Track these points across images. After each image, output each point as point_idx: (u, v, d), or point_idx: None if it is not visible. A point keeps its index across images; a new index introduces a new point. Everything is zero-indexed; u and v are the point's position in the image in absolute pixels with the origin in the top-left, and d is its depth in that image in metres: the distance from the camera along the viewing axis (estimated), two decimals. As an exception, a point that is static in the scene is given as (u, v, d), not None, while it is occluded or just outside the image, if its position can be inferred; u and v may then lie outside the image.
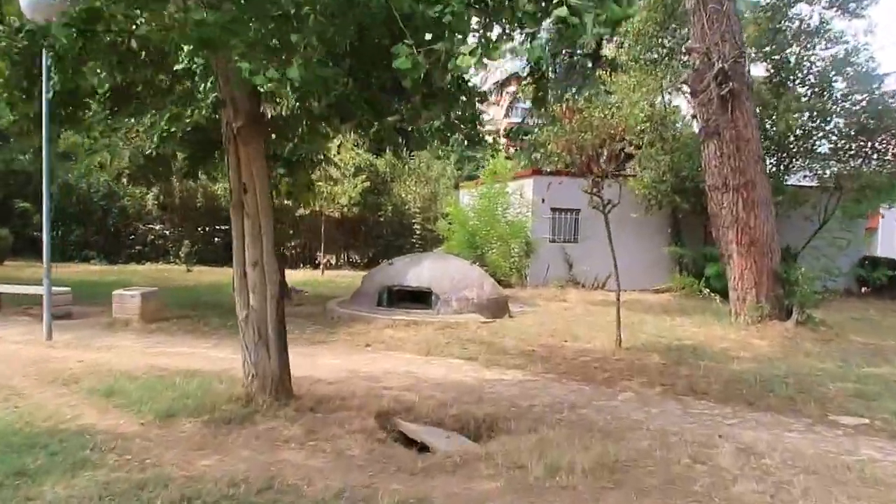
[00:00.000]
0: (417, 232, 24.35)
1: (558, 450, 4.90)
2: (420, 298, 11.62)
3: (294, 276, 20.33)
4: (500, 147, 27.87)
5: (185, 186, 24.22)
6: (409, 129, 6.86)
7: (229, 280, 18.92)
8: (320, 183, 21.43)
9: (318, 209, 22.29)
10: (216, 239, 26.06)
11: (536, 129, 20.97)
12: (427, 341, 9.59)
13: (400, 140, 7.14)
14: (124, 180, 10.52)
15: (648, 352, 9.18)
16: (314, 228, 23.98)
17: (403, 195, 25.42)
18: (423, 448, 5.27)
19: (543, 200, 18.83)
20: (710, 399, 7.04)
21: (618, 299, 9.44)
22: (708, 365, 8.45)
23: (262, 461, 4.55)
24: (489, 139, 34.36)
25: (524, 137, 27.11)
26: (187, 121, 8.45)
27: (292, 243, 25.74)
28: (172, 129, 9.35)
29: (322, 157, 12.15)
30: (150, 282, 17.49)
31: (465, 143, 7.33)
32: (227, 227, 25.95)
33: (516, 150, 29.25)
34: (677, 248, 18.97)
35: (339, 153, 22.60)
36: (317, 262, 23.28)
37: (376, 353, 9.06)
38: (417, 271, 11.62)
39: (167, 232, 25.74)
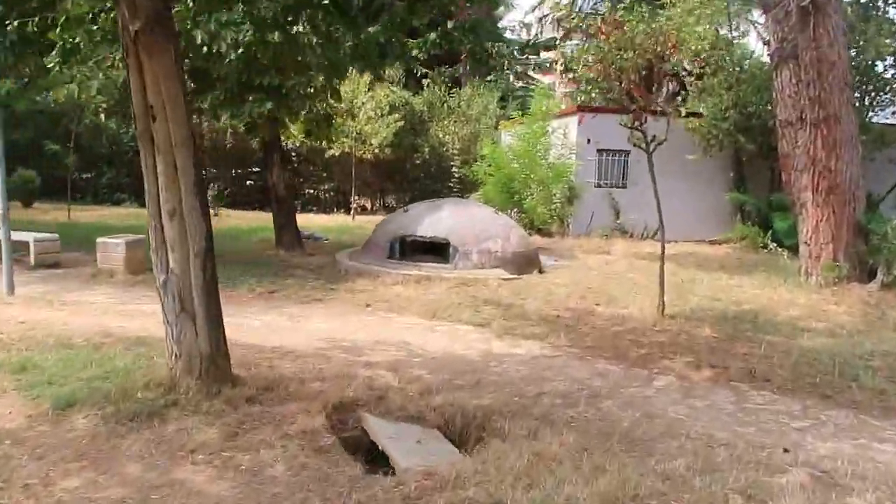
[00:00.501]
0: (456, 175, 22.83)
1: (556, 474, 3.56)
2: (437, 251, 10.28)
3: (319, 222, 19.31)
4: (544, 85, 25.77)
5: (213, 126, 23.23)
6: (393, 40, 5.37)
7: (253, 225, 18.05)
8: (350, 122, 20.12)
9: (349, 150, 21.02)
10: (249, 182, 25.23)
11: (570, 51, 18.91)
12: (436, 302, 8.29)
13: (387, 55, 5.66)
14: (101, 116, 9.25)
15: (698, 321, 7.65)
16: (348, 171, 22.78)
17: (441, 136, 23.82)
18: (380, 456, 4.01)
19: (589, 141, 17.02)
20: (774, 388, 5.54)
21: (662, 256, 7.87)
22: (771, 341, 6.89)
23: (147, 484, 3.36)
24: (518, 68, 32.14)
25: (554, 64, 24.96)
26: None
27: (325, 186, 24.67)
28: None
29: (324, 88, 10.73)
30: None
31: (473, 61, 5.77)
32: (259, 169, 25.11)
33: (560, 84, 27.09)
34: (739, 194, 16.96)
35: (370, 90, 21.13)
36: (350, 206, 22.15)
37: (374, 315, 7.82)
38: (434, 220, 10.25)
39: (199, 174, 24.92)
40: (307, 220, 20.18)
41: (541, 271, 10.57)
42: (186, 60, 9.60)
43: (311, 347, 6.19)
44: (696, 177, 17.30)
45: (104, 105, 9.19)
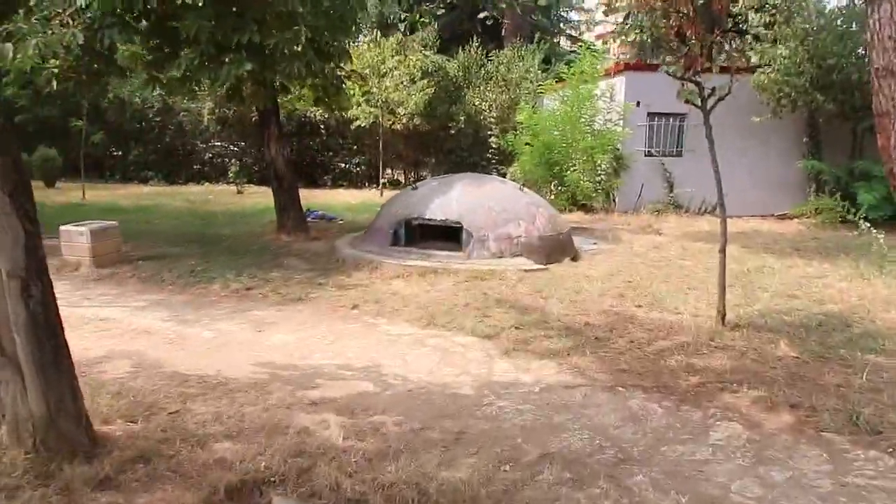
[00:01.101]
0: (493, 146, 21.08)
1: None
2: (449, 235, 8.71)
3: (344, 199, 17.95)
4: (592, 43, 23.53)
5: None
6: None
7: (264, 206, 16.86)
8: (375, 89, 18.60)
9: (379, 121, 19.52)
10: (277, 157, 23.99)
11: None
12: (437, 302, 6.77)
13: None
14: (54, 82, 7.96)
15: (770, 332, 5.88)
16: (381, 143, 21.32)
17: (477, 103, 22.02)
18: None
19: (638, 103, 15.02)
20: (888, 446, 3.83)
21: (723, 243, 6.09)
22: (876, 363, 5.11)
23: None
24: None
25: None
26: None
27: (356, 160, 23.28)
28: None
29: (327, 47, 9.21)
30: (183, 206, 15.66)
31: None
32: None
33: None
34: (815, 162, 14.71)
35: (399, 54, 19.51)
36: (381, 180, 20.71)
37: (358, 321, 6.35)
38: (445, 200, 8.65)
39: (228, 149, 23.93)
40: (333, 197, 18.92)
41: (574, 259, 8.89)
42: (153, 20, 8.28)
43: (250, 376, 4.77)
44: (762, 142, 15.14)
45: (55, 69, 7.85)
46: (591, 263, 8.73)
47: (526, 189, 9.39)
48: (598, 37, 33.83)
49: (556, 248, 8.69)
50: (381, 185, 19.73)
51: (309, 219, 13.27)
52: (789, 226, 13.91)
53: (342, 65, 10.97)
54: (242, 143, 23.80)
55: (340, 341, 5.70)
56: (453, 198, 8.62)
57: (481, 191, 8.78)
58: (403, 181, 23.43)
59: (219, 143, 24.08)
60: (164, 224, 12.58)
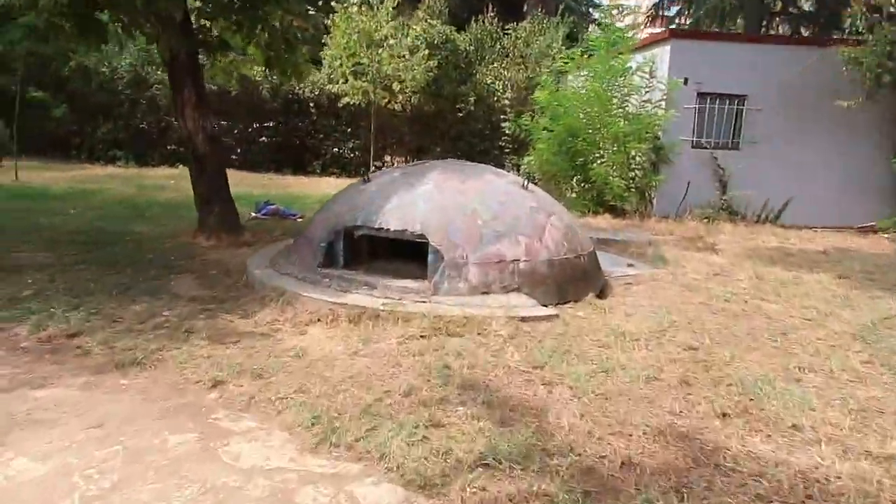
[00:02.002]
0: (507, 132, 18.03)
1: None
2: (413, 252, 5.77)
3: (325, 189, 15.04)
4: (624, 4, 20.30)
5: (214, 71, 19.21)
6: None
7: (241, 192, 13.99)
8: (365, 61, 15.66)
9: (372, 98, 16.61)
10: (262, 138, 21.18)
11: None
12: (359, 385, 3.84)
13: None
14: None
15: None
16: (378, 126, 18.40)
17: (490, 82, 18.97)
18: None
19: (686, 81, 11.90)
20: None
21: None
22: None
23: None
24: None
25: None
26: None
27: (350, 144, 20.35)
28: None
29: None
30: (129, 193, 12.87)
31: None
32: (271, 122, 21.06)
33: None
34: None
35: (400, 22, 16.53)
36: (372, 168, 17.76)
37: (196, 424, 3.42)
38: (407, 199, 5.65)
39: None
40: (314, 186, 16.03)
41: (601, 295, 5.90)
42: None
43: None
44: (846, 133, 11.95)
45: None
46: (627, 305, 5.71)
47: (533, 186, 6.37)
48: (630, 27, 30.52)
49: (574, 278, 5.70)
50: (369, 173, 16.73)
51: (260, 214, 10.39)
52: (879, 243, 10.75)
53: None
54: (224, 123, 20.99)
55: (127, 486, 2.79)
56: (420, 197, 5.65)
57: (464, 187, 5.79)
58: (403, 170, 20.46)
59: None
60: (78, 217, 9.77)
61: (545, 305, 5.35)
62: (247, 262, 6.36)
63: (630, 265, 7.38)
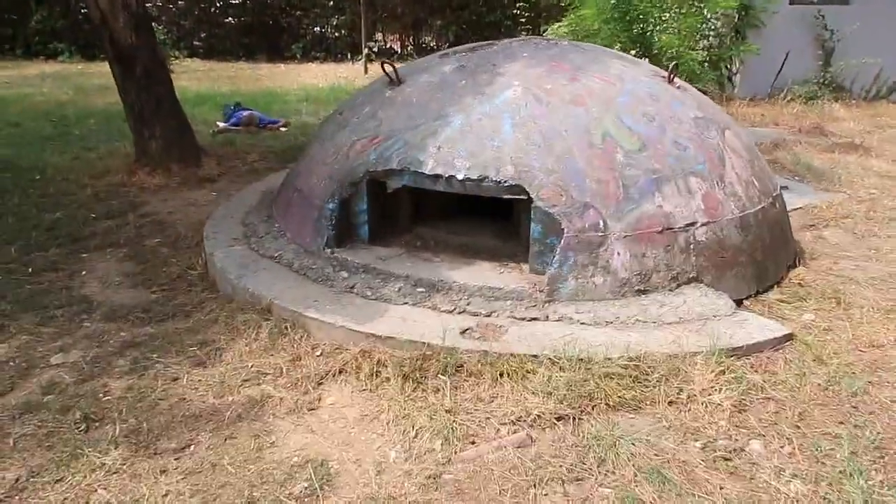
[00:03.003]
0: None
1: None
2: (491, 213, 3.31)
3: (309, 80, 12.15)
4: None
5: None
6: None
7: (209, 90, 11.00)
8: None
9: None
10: (228, 18, 17.74)
11: None
12: None
13: None
14: None
15: None
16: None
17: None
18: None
19: None
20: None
21: None
22: None
23: None
24: None
25: None
26: None
27: (334, 22, 17.03)
28: None
29: None
30: (62, 97, 10.02)
31: None
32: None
33: None
34: None
35: None
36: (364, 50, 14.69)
37: None
38: (476, 118, 3.10)
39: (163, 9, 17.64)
40: (294, 78, 13.00)
41: (795, 263, 3.49)
42: None
43: None
44: None
45: None
46: (854, 280, 3.31)
47: (680, 81, 3.77)
48: None
49: (774, 244, 3.28)
50: (365, 58, 13.70)
51: (229, 124, 7.70)
52: None
53: None
54: (181, 2, 17.52)
55: None
56: (502, 111, 3.08)
57: (577, 89, 3.20)
58: (399, 51, 17.32)
59: (148, 3, 17.74)
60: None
61: (739, 302, 2.98)
62: (205, 230, 3.83)
63: (783, 188, 4.91)
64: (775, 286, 3.22)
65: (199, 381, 2.60)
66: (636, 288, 2.85)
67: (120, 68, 5.32)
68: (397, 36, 17.80)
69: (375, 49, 15.82)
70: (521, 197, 2.93)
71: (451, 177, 2.97)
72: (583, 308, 2.79)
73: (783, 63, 9.07)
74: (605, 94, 3.20)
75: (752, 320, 2.77)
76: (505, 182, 2.91)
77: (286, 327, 2.82)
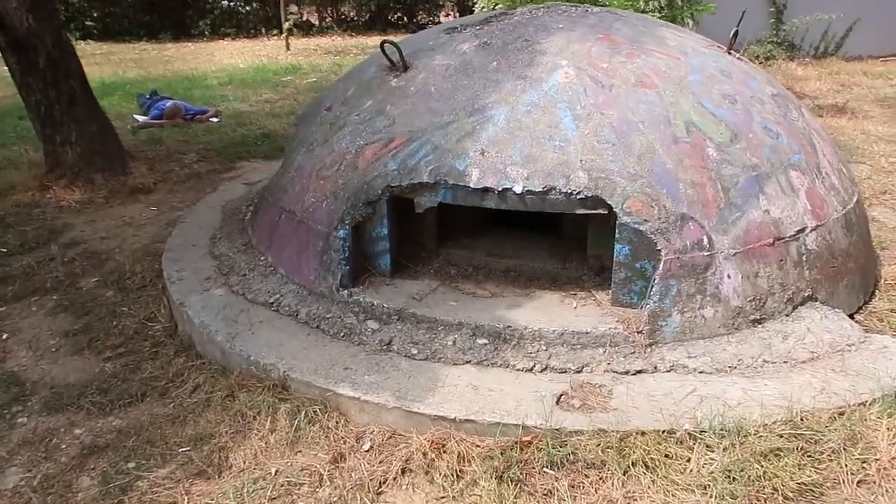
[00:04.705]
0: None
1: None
2: (530, 222, 2.67)
3: (227, 61, 10.99)
4: None
5: None
6: None
7: (114, 79, 9.56)
8: None
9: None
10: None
11: None
12: None
13: None
14: None
15: None
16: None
17: None
18: None
19: None
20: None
21: None
22: None
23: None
24: None
25: None
26: None
27: (244, -6, 15.65)
28: None
29: None
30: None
31: None
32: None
33: None
34: None
35: None
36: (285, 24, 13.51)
37: None
38: (523, 110, 2.43)
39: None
40: (208, 58, 11.71)
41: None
42: None
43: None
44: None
45: None
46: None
47: (743, 57, 3.21)
48: None
49: (869, 245, 2.80)
50: (286, 34, 12.56)
51: (150, 117, 6.62)
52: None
53: None
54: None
55: None
56: (556, 102, 2.42)
57: (639, 68, 2.57)
58: (318, 23, 16.15)
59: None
60: None
61: (851, 317, 2.48)
62: (165, 268, 2.99)
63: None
64: (875, 292, 2.75)
65: (208, 503, 1.86)
66: (751, 317, 2.29)
67: (16, 58, 4.26)
68: (314, 8, 16.60)
69: (290, 23, 14.61)
70: (600, 212, 2.29)
71: (506, 190, 2.30)
72: (694, 350, 2.20)
73: (738, 22, 8.76)
74: (673, 73, 2.59)
75: (892, 348, 2.26)
76: (577, 193, 2.26)
77: (314, 411, 2.10)
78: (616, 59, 2.61)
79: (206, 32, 15.25)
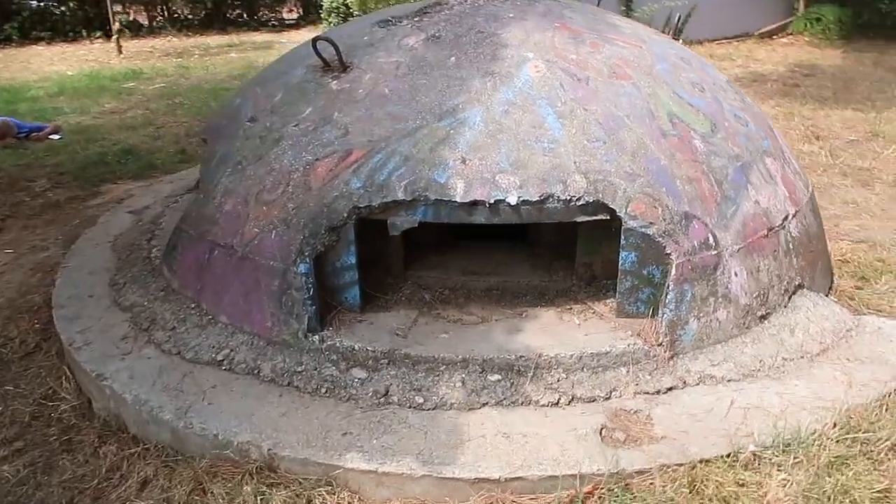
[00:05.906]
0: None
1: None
2: (490, 232, 2.44)
3: (49, 68, 9.68)
4: None
5: None
6: None
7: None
8: None
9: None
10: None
11: None
12: None
13: None
14: None
15: None
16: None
17: None
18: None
19: None
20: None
21: None
22: None
23: None
24: None
25: None
26: None
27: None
28: None
29: None
30: None
31: None
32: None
33: None
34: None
35: None
36: (107, 27, 12.11)
37: None
38: (499, 111, 2.17)
39: None
40: (25, 66, 10.26)
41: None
42: None
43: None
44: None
45: None
46: (891, 250, 3.04)
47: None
48: None
49: (822, 229, 2.84)
50: (116, 35, 11.26)
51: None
52: (787, 49, 9.31)
53: None
54: None
55: None
56: (536, 100, 2.18)
57: (606, 58, 2.39)
58: (148, 24, 14.75)
59: None
60: None
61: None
62: (62, 331, 2.38)
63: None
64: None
65: None
66: (758, 314, 2.19)
67: None
68: (142, 7, 15.13)
69: (118, 25, 13.17)
70: (601, 217, 2.08)
71: (499, 202, 2.02)
72: (715, 357, 2.07)
73: (690, 12, 9.06)
74: (642, 63, 2.44)
75: (887, 329, 2.27)
76: (577, 200, 2.03)
77: (319, 495, 1.70)
78: (582, 49, 2.41)
79: (15, 36, 13.36)
